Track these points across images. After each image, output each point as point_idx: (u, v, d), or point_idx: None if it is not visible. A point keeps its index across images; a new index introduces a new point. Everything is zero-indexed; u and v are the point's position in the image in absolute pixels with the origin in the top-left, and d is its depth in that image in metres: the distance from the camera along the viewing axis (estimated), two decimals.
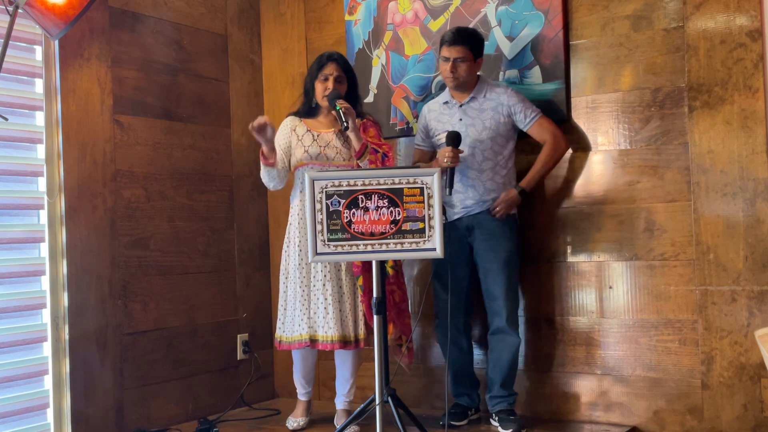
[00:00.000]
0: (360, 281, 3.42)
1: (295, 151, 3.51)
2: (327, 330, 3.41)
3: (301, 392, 3.70)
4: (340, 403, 3.63)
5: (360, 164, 3.40)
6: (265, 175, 3.49)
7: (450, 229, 3.44)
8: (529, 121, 3.48)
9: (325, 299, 3.42)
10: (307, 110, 3.59)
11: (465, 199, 3.47)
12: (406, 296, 3.60)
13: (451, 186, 3.32)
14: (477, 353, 3.74)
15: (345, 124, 3.33)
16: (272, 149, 3.40)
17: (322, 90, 3.49)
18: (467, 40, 3.43)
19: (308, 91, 3.58)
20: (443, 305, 3.48)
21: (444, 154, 3.32)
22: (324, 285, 3.42)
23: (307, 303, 3.45)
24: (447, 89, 3.59)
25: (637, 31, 3.47)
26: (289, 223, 3.56)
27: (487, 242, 3.47)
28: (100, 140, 3.59)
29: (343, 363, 3.60)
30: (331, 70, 3.49)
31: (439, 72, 3.87)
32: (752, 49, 3.24)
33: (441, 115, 3.56)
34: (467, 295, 3.56)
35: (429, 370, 3.92)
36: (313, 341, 3.44)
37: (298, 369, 3.67)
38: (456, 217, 3.49)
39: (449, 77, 3.46)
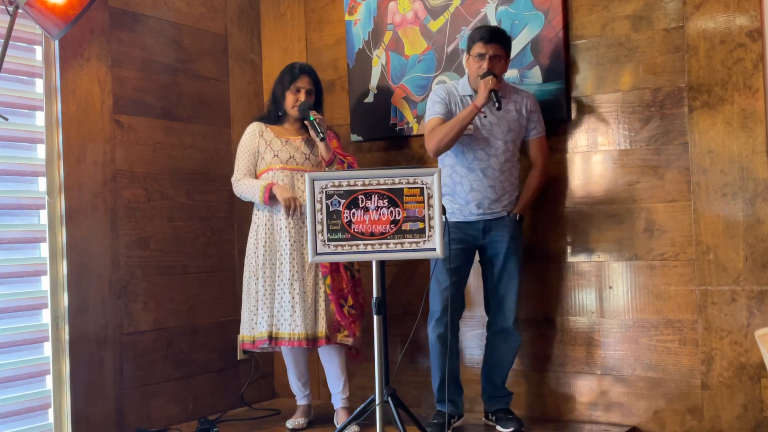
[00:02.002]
0: (328, 281, 3.47)
1: (264, 156, 3.59)
2: (294, 328, 3.45)
3: (300, 396, 3.73)
4: (338, 402, 3.63)
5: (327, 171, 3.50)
6: (248, 196, 3.58)
7: (462, 229, 3.44)
8: (535, 133, 3.50)
9: (293, 298, 3.46)
10: (276, 117, 3.67)
11: (483, 200, 3.41)
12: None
13: (500, 101, 3.24)
14: (471, 355, 3.75)
15: (322, 134, 3.44)
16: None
17: (292, 100, 3.59)
18: (503, 39, 3.38)
19: (278, 99, 3.65)
20: (440, 307, 3.45)
21: (487, 81, 3.24)
22: (291, 284, 3.46)
23: (271, 302, 3.50)
24: (464, 81, 3.48)
25: (637, 31, 3.47)
26: (256, 224, 3.61)
27: (506, 244, 3.43)
28: (100, 140, 3.59)
29: (331, 362, 3.61)
30: (303, 82, 3.60)
31: (440, 71, 3.87)
32: (752, 49, 3.24)
33: (462, 109, 3.44)
34: (463, 296, 3.55)
35: (429, 370, 3.92)
36: (272, 339, 3.48)
37: (292, 372, 3.70)
38: (473, 219, 3.44)
39: (481, 75, 3.32)
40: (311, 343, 3.48)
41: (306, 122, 3.53)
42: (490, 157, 3.40)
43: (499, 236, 3.44)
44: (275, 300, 3.50)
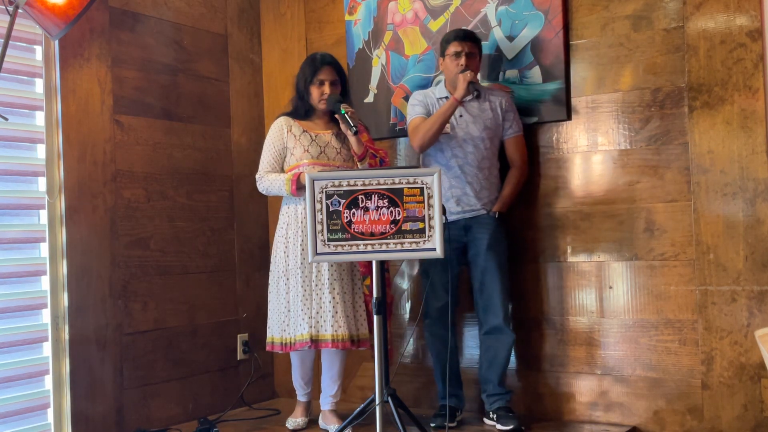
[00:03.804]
0: (367, 281, 3.43)
1: (294, 151, 3.49)
2: (337, 329, 3.36)
3: (301, 393, 3.69)
4: (327, 404, 3.61)
5: (360, 167, 3.46)
6: (275, 191, 3.50)
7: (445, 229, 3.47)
8: (512, 132, 3.58)
9: (333, 298, 3.37)
10: (303, 112, 3.57)
11: (462, 195, 3.49)
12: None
13: (479, 91, 3.41)
14: (471, 355, 3.74)
15: (355, 128, 3.35)
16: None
17: (318, 94, 3.50)
18: (475, 38, 3.53)
19: (303, 94, 3.56)
20: (434, 305, 3.50)
21: (466, 75, 3.37)
22: (331, 284, 3.38)
23: (309, 303, 3.41)
24: (441, 85, 3.62)
25: (637, 31, 3.47)
26: (285, 222, 3.51)
27: (486, 241, 3.49)
28: (100, 140, 3.59)
29: (332, 364, 3.57)
30: (326, 74, 3.49)
31: (439, 72, 3.87)
32: (752, 49, 3.24)
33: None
34: (456, 294, 3.57)
35: (428, 369, 3.92)
36: (314, 341, 3.39)
37: (297, 370, 3.65)
38: (454, 218, 3.50)
39: (461, 71, 3.42)
40: (355, 344, 3.42)
41: (337, 116, 3.42)
42: (467, 155, 3.50)
43: (478, 234, 3.51)
44: (313, 301, 3.40)
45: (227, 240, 4.19)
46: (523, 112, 3.66)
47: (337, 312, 3.38)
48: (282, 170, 3.54)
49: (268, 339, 3.55)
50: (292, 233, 3.47)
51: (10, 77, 3.34)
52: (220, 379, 4.09)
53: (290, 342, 3.46)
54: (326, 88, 3.48)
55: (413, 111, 3.58)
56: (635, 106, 3.49)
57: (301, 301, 3.41)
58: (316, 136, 3.52)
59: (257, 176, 3.57)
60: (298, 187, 3.39)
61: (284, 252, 3.49)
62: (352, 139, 3.41)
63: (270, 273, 3.57)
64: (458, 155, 3.50)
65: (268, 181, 3.50)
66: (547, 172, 3.66)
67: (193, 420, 3.87)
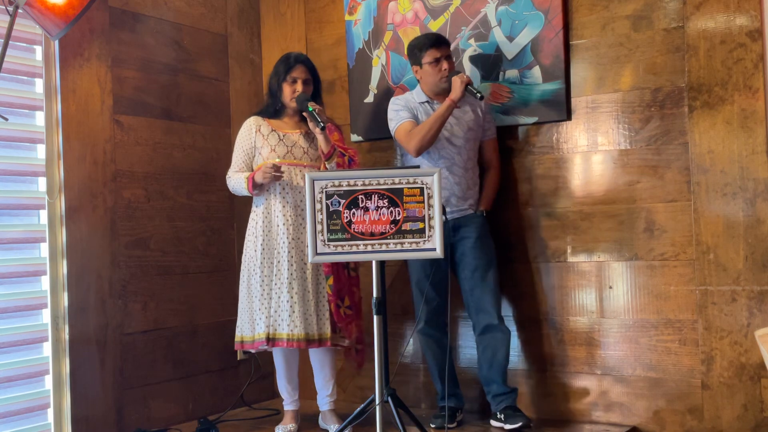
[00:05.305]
0: (330, 281, 3.42)
1: (261, 151, 3.51)
2: (293, 328, 3.38)
3: (288, 401, 3.62)
4: (325, 404, 3.61)
5: (327, 166, 3.44)
6: (238, 189, 3.53)
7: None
8: (491, 134, 3.65)
9: (291, 297, 3.39)
10: (273, 111, 3.58)
11: (450, 196, 3.50)
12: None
13: (480, 92, 3.41)
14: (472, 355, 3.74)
15: (322, 124, 3.36)
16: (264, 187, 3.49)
17: (290, 92, 3.52)
18: (447, 41, 3.57)
19: (275, 93, 3.57)
20: (425, 307, 3.51)
21: (462, 77, 3.40)
22: (290, 283, 3.40)
23: (268, 302, 3.43)
24: (418, 90, 3.60)
25: (637, 31, 3.47)
26: (254, 221, 3.53)
27: (477, 240, 3.51)
28: (100, 140, 3.59)
29: (322, 364, 3.58)
30: (299, 72, 3.51)
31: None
32: (752, 49, 3.24)
33: (424, 115, 3.54)
34: (447, 295, 3.57)
35: (428, 370, 3.92)
36: (270, 340, 3.40)
37: (282, 375, 3.60)
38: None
39: (445, 76, 3.48)
40: (315, 344, 3.42)
41: (305, 113, 3.44)
42: (454, 156, 3.52)
43: (467, 233, 3.52)
44: (272, 300, 3.42)
45: (227, 240, 4.19)
46: (523, 112, 3.67)
47: (294, 311, 3.38)
48: (251, 170, 3.55)
49: (237, 338, 3.56)
50: (260, 233, 3.48)
51: (10, 77, 3.35)
52: (220, 379, 4.09)
53: (250, 340, 3.48)
54: (298, 86, 3.50)
55: (399, 116, 3.54)
56: (635, 106, 3.49)
57: (259, 300, 3.44)
58: (284, 136, 3.53)
59: (227, 176, 3.59)
60: (254, 186, 3.43)
61: (254, 250, 3.50)
62: (319, 137, 3.40)
63: (240, 272, 3.57)
64: (445, 157, 3.51)
65: (234, 181, 3.54)
66: (547, 172, 3.66)
67: (193, 420, 3.87)
